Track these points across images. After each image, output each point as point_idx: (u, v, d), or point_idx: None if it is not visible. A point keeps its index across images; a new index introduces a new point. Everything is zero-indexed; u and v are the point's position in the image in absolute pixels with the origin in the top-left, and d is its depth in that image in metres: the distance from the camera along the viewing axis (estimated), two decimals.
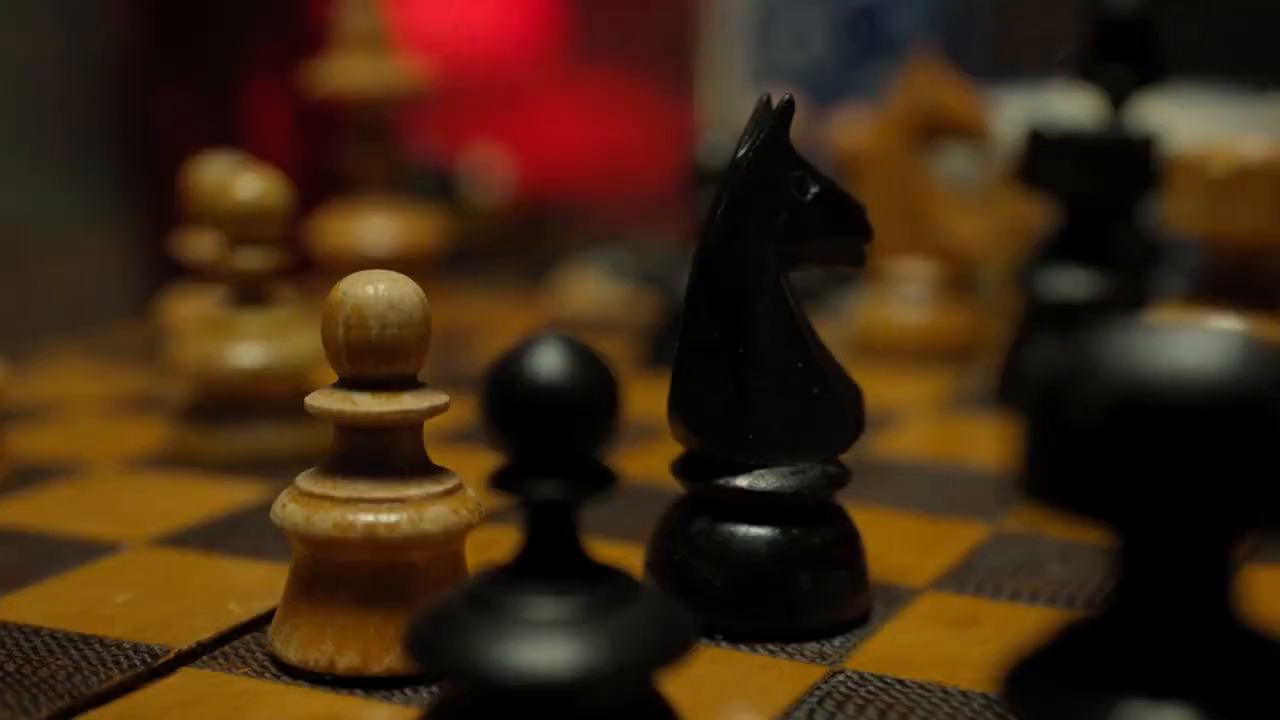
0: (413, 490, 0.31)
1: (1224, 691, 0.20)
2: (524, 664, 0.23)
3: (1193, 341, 0.19)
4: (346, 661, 0.30)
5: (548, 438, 0.23)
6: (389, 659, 0.30)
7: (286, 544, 0.37)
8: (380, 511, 0.30)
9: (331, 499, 0.30)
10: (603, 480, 0.24)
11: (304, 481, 0.31)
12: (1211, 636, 0.20)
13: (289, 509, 0.31)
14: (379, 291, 0.31)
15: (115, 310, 0.69)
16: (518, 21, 1.02)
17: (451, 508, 0.31)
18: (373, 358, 0.31)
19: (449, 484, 0.31)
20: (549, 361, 0.23)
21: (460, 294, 0.67)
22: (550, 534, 0.24)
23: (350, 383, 0.31)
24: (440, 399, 0.31)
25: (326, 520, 0.30)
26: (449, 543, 0.31)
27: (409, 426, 0.31)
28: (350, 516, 0.30)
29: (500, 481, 0.24)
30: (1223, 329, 0.20)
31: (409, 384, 0.31)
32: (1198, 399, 0.18)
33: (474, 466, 0.43)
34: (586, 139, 1.01)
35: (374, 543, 0.30)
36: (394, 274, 0.31)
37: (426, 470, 0.31)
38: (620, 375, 0.24)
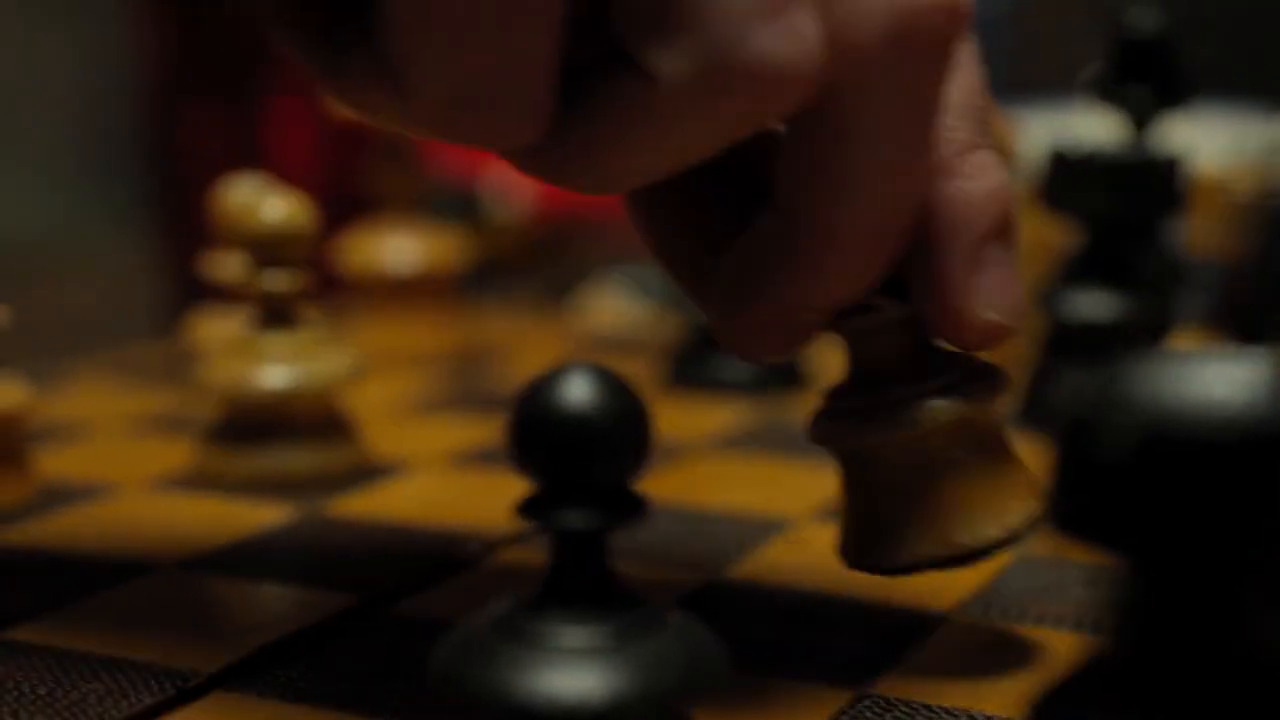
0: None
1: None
2: (554, 692, 0.23)
3: (1219, 373, 0.19)
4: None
5: (577, 469, 0.24)
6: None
7: (313, 567, 0.38)
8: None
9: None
10: (632, 509, 0.24)
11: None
12: (1236, 667, 0.20)
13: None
14: None
15: (139, 329, 0.70)
16: None
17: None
18: None
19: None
20: (578, 392, 0.24)
21: (483, 312, 0.67)
22: (579, 563, 0.24)
23: None
24: None
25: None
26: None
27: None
28: None
29: (529, 511, 0.24)
30: (1248, 358, 0.20)
31: None
32: (1224, 432, 0.18)
33: (498, 487, 0.44)
34: None
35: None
36: None
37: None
38: (648, 404, 0.24)
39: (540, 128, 0.27)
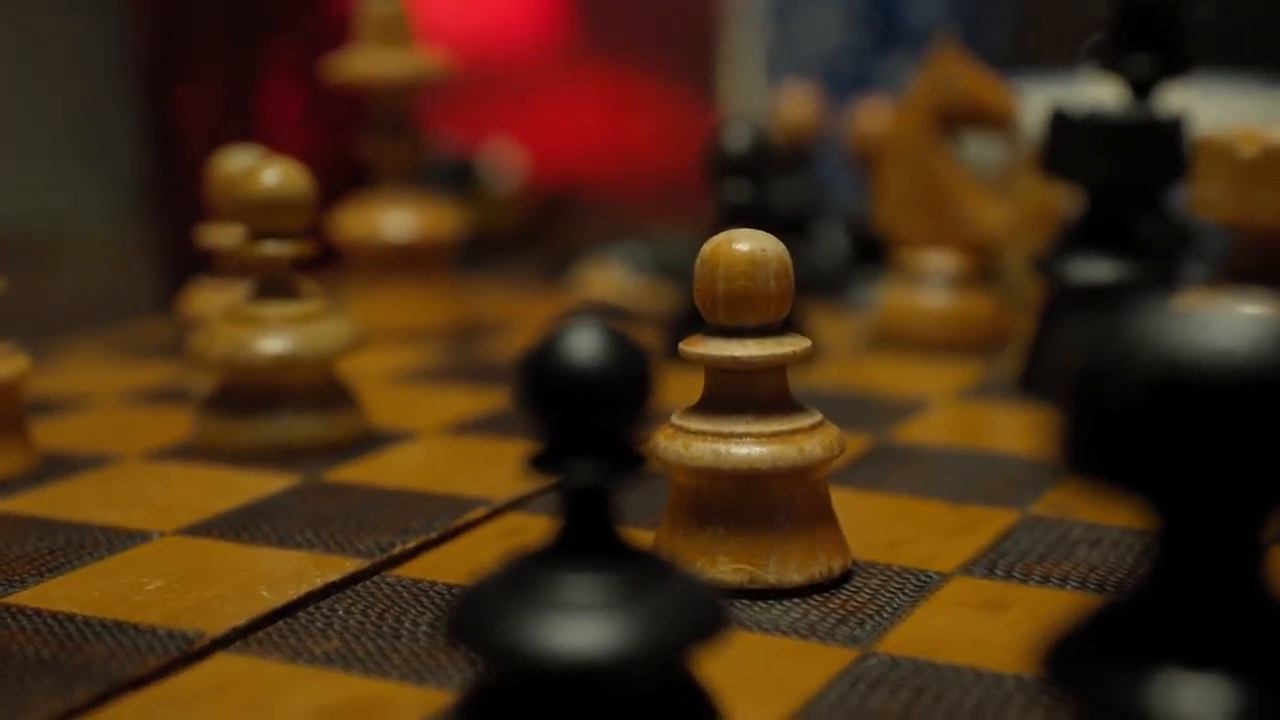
0: (776, 426, 0.34)
1: (1257, 663, 0.20)
2: (562, 645, 0.23)
3: (1227, 323, 0.19)
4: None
5: (585, 421, 0.24)
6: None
7: (315, 533, 0.38)
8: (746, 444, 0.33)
9: (704, 434, 0.33)
10: (637, 463, 0.24)
11: (679, 418, 0.34)
12: (1244, 610, 0.20)
13: (668, 445, 0.34)
14: (746, 248, 0.33)
15: (136, 307, 0.69)
16: (536, 12, 1.02)
17: (819, 441, 0.34)
18: (742, 307, 0.33)
19: (813, 419, 0.34)
20: (586, 345, 0.24)
21: (479, 286, 0.67)
22: (586, 517, 0.24)
23: (723, 330, 0.34)
24: (804, 343, 0.34)
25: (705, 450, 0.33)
26: (811, 472, 0.34)
27: (773, 369, 0.34)
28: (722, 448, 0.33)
29: (539, 464, 0.24)
30: (1254, 311, 0.20)
31: (772, 330, 0.34)
32: (1231, 379, 0.19)
33: (498, 455, 0.43)
34: (604, 130, 1.01)
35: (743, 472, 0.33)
36: (759, 233, 0.34)
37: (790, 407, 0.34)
38: (653, 358, 0.24)
39: None
